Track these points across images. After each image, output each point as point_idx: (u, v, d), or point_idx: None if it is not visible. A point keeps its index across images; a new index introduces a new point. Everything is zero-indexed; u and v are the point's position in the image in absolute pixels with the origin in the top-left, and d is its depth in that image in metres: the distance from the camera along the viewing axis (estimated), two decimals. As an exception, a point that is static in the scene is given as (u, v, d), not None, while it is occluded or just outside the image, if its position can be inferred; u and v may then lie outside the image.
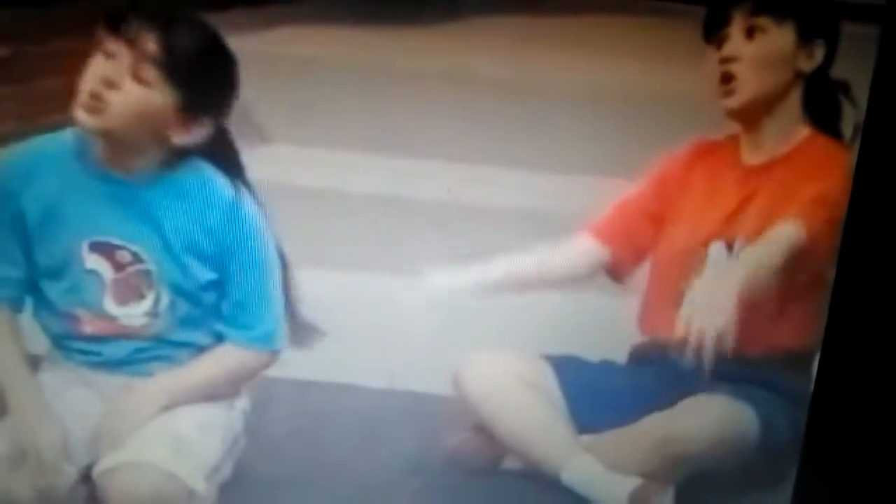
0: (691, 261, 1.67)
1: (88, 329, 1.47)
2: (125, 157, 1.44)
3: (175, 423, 1.44)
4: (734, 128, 1.70)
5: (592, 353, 1.78)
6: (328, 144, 2.73)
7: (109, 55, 1.37)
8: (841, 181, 1.57)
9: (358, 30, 3.17)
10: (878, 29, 0.84)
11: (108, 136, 1.41)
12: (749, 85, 1.62)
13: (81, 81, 1.39)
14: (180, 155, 1.45)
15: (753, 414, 1.58)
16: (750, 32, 1.61)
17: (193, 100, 1.40)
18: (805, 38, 1.62)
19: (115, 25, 1.37)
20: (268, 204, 1.52)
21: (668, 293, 1.70)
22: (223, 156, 1.49)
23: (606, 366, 1.76)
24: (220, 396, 1.52)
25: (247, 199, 1.48)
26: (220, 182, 1.47)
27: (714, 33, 1.64)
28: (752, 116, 1.65)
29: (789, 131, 1.66)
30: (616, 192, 1.79)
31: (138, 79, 1.37)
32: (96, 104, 1.37)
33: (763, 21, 1.61)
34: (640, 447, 1.58)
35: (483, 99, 2.71)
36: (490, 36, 3.34)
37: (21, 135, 1.91)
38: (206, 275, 1.46)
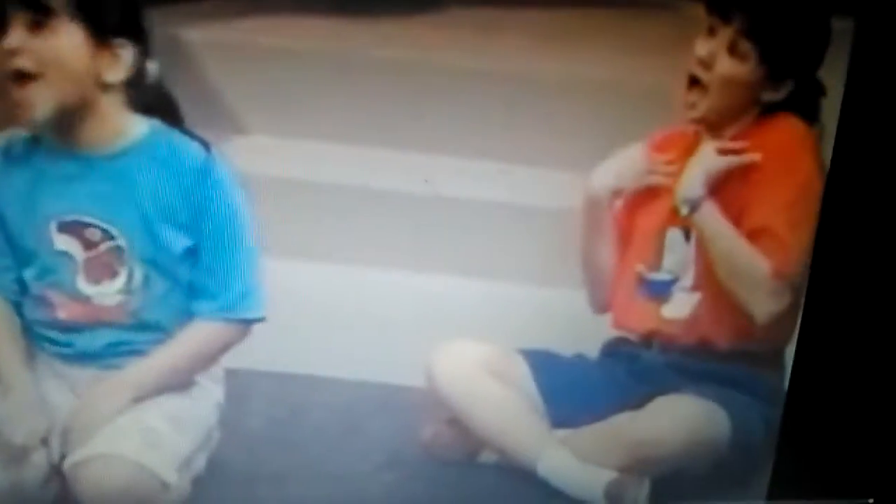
0: (651, 248, 1.68)
1: (62, 314, 1.46)
2: (83, 130, 1.42)
3: (146, 416, 1.43)
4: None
5: (567, 347, 1.78)
6: (304, 135, 2.71)
7: (5, 30, 1.35)
8: (805, 160, 1.57)
9: (334, 20, 3.15)
10: (852, 23, 0.84)
11: (49, 113, 1.38)
12: (712, 101, 1.61)
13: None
14: (140, 111, 1.44)
15: (725, 414, 1.58)
16: (732, 50, 1.60)
17: (96, 24, 1.38)
18: (775, 79, 1.60)
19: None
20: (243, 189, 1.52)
21: (624, 283, 1.72)
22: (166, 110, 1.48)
23: (580, 360, 1.76)
24: (190, 382, 1.51)
25: (218, 161, 1.47)
26: (191, 145, 1.46)
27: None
28: (713, 124, 1.64)
29: (744, 117, 1.64)
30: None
31: (37, 30, 1.35)
32: (24, 88, 1.35)
33: (745, 47, 1.59)
34: (614, 444, 1.59)
35: (460, 90, 2.70)
36: (467, 27, 3.33)
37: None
38: (180, 242, 1.45)
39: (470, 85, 2.78)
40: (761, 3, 1.62)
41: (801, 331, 0.84)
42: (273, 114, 2.81)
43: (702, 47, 1.62)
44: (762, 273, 1.58)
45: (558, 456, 1.63)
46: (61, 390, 1.47)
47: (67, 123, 1.40)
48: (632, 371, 1.68)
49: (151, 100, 1.46)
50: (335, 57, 2.88)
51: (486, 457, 1.71)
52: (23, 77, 1.35)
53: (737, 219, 1.62)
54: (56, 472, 1.40)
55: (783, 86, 1.61)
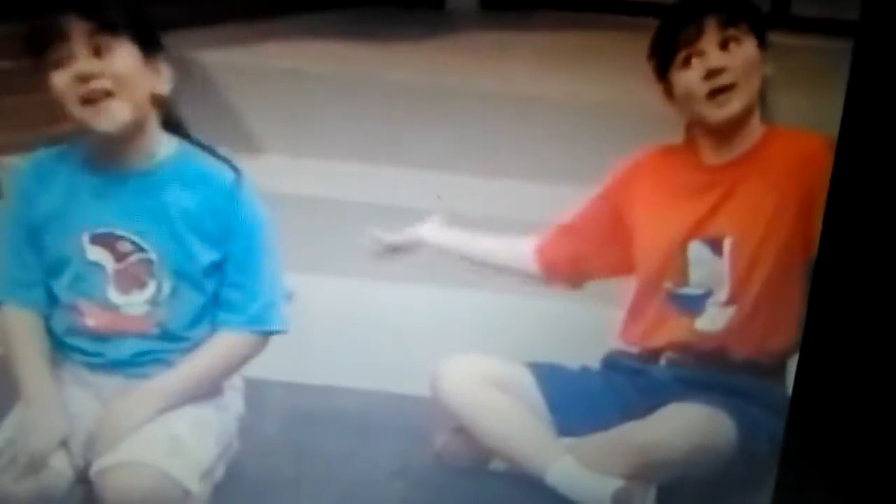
0: (671, 265, 1.66)
1: (91, 322, 1.47)
2: (129, 148, 1.45)
3: (171, 425, 1.43)
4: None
5: (573, 359, 1.78)
6: (318, 154, 2.72)
7: (60, 64, 1.39)
8: (814, 166, 1.55)
9: (347, 44, 3.17)
10: (851, 43, 0.85)
11: (122, 126, 1.42)
12: (743, 93, 1.60)
13: (63, 100, 1.40)
14: (173, 131, 1.48)
15: (731, 422, 1.57)
16: (724, 44, 1.59)
17: (145, 42, 1.43)
18: (763, 43, 1.63)
19: (43, 40, 1.40)
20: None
21: (653, 299, 1.70)
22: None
23: (585, 372, 1.75)
24: (213, 392, 1.51)
25: (246, 182, 1.49)
26: (220, 166, 1.49)
27: (684, 48, 1.60)
28: (737, 124, 1.63)
29: (752, 130, 1.64)
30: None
31: (101, 53, 1.39)
32: (97, 105, 1.39)
33: (735, 32, 1.59)
34: (620, 453, 1.57)
35: (470, 111, 2.71)
36: (476, 50, 3.35)
37: (23, 145, 1.91)
38: (207, 256, 1.47)
39: (479, 105, 2.79)
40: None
41: (804, 338, 0.84)
42: (289, 133, 2.83)
43: (714, 59, 1.59)
44: None
45: (565, 465, 1.62)
46: (86, 398, 1.48)
47: (120, 139, 1.44)
48: (637, 384, 1.67)
49: (176, 118, 1.50)
50: (348, 79, 2.91)
51: (496, 465, 1.70)
52: (96, 97, 1.39)
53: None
54: (81, 478, 1.40)
55: (768, 53, 1.61)
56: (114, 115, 1.40)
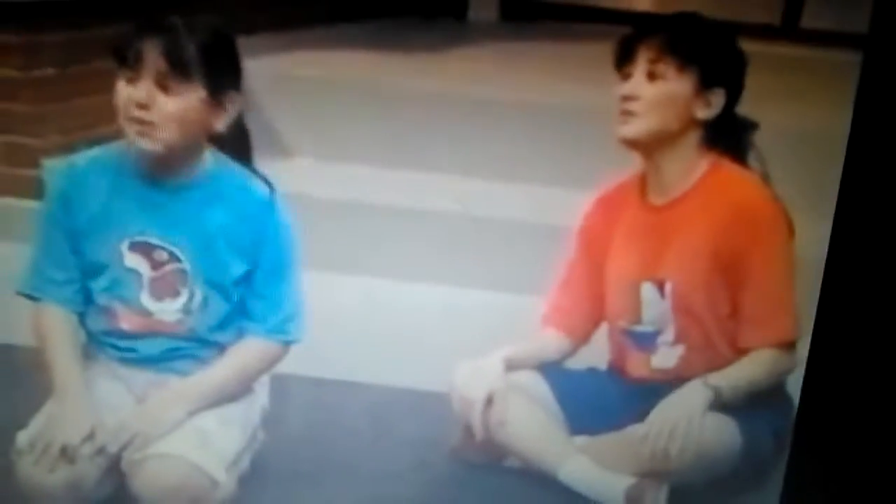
0: (629, 304, 1.65)
1: (125, 324, 1.47)
2: (173, 164, 1.45)
3: (199, 418, 1.43)
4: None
5: (581, 362, 1.76)
6: (343, 158, 2.72)
7: (130, 81, 1.38)
8: (754, 196, 1.57)
9: (372, 54, 3.17)
10: (860, 56, 0.83)
11: (162, 150, 1.41)
12: (643, 123, 1.58)
13: (117, 109, 1.39)
14: (218, 146, 1.47)
15: (736, 426, 1.55)
16: (651, 76, 1.57)
17: (215, 85, 1.41)
18: (705, 86, 1.58)
19: (122, 55, 1.38)
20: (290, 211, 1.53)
21: (614, 333, 1.70)
22: (241, 142, 1.50)
23: (593, 373, 1.74)
24: (239, 394, 1.51)
25: (280, 198, 1.49)
26: (256, 181, 1.49)
27: (621, 68, 1.60)
28: (646, 149, 1.61)
29: (688, 169, 1.61)
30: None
31: (166, 90, 1.37)
32: (142, 128, 1.38)
33: (663, 68, 1.57)
34: (630, 454, 1.55)
35: (489, 118, 2.70)
36: (495, 60, 3.34)
37: (64, 148, 1.92)
38: (239, 267, 1.47)
39: (499, 112, 2.78)
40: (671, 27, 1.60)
41: (813, 339, 0.82)
42: (315, 139, 2.83)
43: (623, 87, 1.58)
44: (771, 364, 1.56)
45: (578, 463, 1.60)
46: (118, 391, 1.48)
47: (163, 157, 1.42)
48: (643, 385, 1.65)
49: (229, 135, 1.47)
50: (373, 87, 2.90)
51: (511, 462, 1.69)
52: (143, 123, 1.38)
53: (733, 302, 1.57)
54: (112, 469, 1.40)
55: (714, 96, 1.57)
56: (154, 141, 1.39)
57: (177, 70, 1.36)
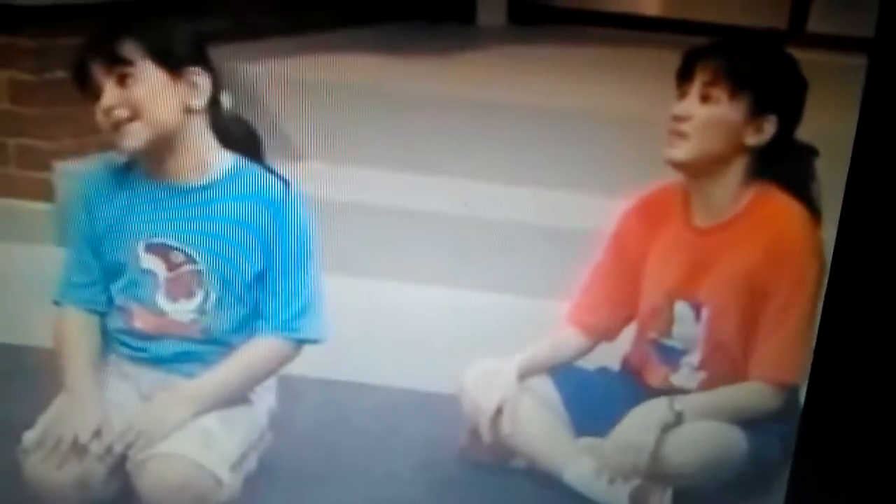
0: (661, 317, 1.63)
1: (139, 324, 1.48)
2: (172, 163, 1.45)
3: (203, 418, 1.44)
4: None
5: (591, 361, 1.76)
6: (353, 162, 2.72)
7: (100, 93, 1.41)
8: (793, 232, 1.54)
9: (381, 58, 3.17)
10: (865, 60, 0.82)
11: (144, 150, 1.43)
12: (691, 145, 1.56)
13: (99, 123, 1.42)
14: (230, 148, 1.48)
15: (741, 433, 1.54)
16: (704, 98, 1.55)
17: (174, 60, 1.43)
18: (758, 112, 1.55)
19: (83, 80, 1.42)
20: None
21: (640, 341, 1.68)
22: (251, 142, 1.52)
23: (603, 373, 1.74)
24: (246, 395, 1.51)
25: (296, 197, 1.49)
26: (272, 181, 1.49)
27: (680, 85, 1.58)
28: (692, 171, 1.59)
29: (735, 194, 1.58)
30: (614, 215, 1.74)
31: (123, 83, 1.40)
32: (119, 127, 1.41)
33: (717, 92, 1.54)
34: (635, 457, 1.55)
35: (497, 121, 2.70)
36: (503, 64, 3.33)
37: (80, 151, 1.92)
38: (254, 268, 1.47)
39: (507, 116, 2.78)
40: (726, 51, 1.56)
41: (818, 344, 0.82)
42: (322, 142, 2.82)
43: (676, 106, 1.56)
44: (759, 399, 1.55)
45: (583, 464, 1.60)
46: (126, 390, 1.49)
47: (159, 154, 1.44)
48: (656, 391, 1.64)
49: (235, 133, 1.49)
50: (380, 91, 2.90)
51: (517, 463, 1.69)
52: (121, 123, 1.40)
53: (747, 330, 1.56)
54: (118, 468, 1.40)
55: (766, 122, 1.54)
56: (134, 135, 1.41)
57: (115, 61, 1.39)
